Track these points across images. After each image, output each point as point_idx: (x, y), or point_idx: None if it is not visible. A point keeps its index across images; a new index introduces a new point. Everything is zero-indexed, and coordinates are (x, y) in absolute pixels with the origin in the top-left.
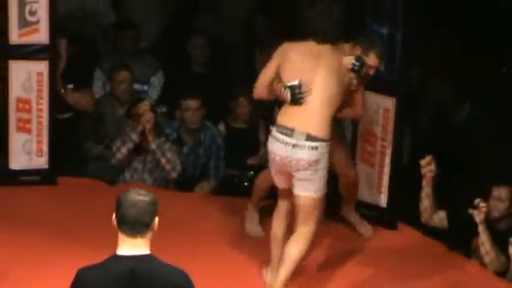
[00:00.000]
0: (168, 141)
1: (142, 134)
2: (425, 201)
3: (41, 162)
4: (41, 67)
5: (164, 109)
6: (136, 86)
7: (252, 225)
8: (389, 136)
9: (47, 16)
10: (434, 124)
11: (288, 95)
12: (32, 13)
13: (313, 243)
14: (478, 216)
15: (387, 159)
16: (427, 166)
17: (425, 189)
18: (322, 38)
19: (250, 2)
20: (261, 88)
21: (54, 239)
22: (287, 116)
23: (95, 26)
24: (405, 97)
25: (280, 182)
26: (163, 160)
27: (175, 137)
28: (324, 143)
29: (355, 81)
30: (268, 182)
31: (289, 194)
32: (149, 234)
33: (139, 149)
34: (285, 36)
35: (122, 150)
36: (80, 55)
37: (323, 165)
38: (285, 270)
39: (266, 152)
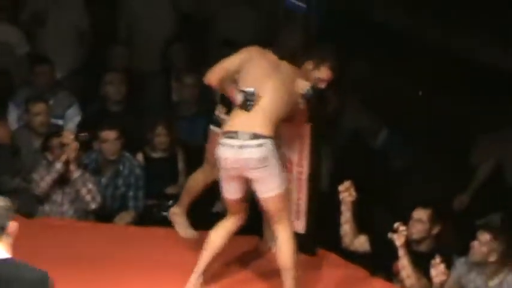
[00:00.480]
0: (87, 172)
1: (66, 164)
2: (346, 226)
3: None
4: None
5: (86, 135)
6: (52, 120)
7: (185, 228)
8: (305, 162)
9: None
10: (353, 149)
11: (239, 99)
12: None
13: (228, 261)
14: (399, 240)
15: (304, 185)
16: (346, 191)
17: (345, 214)
18: (281, 54)
19: (165, 31)
20: (215, 76)
21: None
22: (232, 122)
23: (8, 58)
24: (321, 123)
25: (233, 191)
26: (83, 190)
27: (93, 167)
28: (269, 140)
29: (301, 105)
30: (201, 183)
31: (240, 207)
32: (6, 239)
33: (61, 180)
34: (201, 63)
35: (47, 180)
36: None
37: (274, 161)
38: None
39: (185, 181)
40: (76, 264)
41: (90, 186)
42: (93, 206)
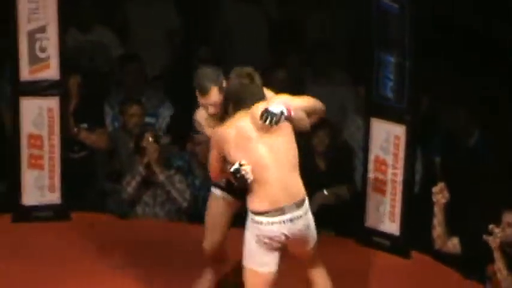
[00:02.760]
0: (178, 173)
1: (149, 166)
2: (438, 228)
3: (54, 197)
4: (52, 103)
5: (167, 140)
6: (146, 119)
7: None
8: (400, 164)
9: (56, 52)
10: (446, 151)
11: (234, 181)
12: (42, 49)
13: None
14: (493, 242)
15: (399, 187)
16: (439, 193)
17: (438, 216)
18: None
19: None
20: (215, 174)
21: (67, 275)
22: (268, 198)
23: (103, 60)
24: (415, 124)
25: (271, 264)
26: (173, 191)
27: (186, 169)
28: (306, 199)
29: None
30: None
31: (273, 281)
32: None
33: (149, 182)
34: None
35: (132, 184)
36: (90, 90)
37: (311, 215)
38: None
39: None
40: (168, 265)
41: (179, 185)
42: (184, 204)
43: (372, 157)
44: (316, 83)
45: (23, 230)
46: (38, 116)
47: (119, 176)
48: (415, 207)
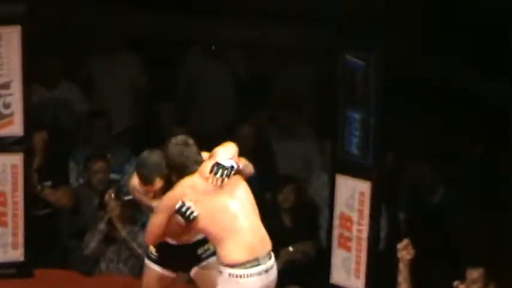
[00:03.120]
0: (143, 228)
1: (111, 223)
2: (404, 285)
3: (17, 254)
4: (16, 159)
5: (131, 197)
6: (111, 175)
7: None
8: (366, 220)
9: (21, 108)
10: (411, 207)
11: (180, 219)
12: (6, 106)
13: None
14: None
15: (364, 244)
16: (404, 249)
17: (403, 272)
18: None
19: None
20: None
21: None
22: (239, 251)
23: (68, 116)
24: (381, 181)
25: None
26: (134, 245)
27: None
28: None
29: None
30: None
31: None
32: None
33: (112, 238)
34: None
35: (92, 241)
36: (55, 147)
37: None
38: None
39: None
40: None
41: (141, 240)
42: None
43: (337, 213)
44: (281, 139)
45: None
46: (1, 173)
47: (83, 233)
48: (380, 263)
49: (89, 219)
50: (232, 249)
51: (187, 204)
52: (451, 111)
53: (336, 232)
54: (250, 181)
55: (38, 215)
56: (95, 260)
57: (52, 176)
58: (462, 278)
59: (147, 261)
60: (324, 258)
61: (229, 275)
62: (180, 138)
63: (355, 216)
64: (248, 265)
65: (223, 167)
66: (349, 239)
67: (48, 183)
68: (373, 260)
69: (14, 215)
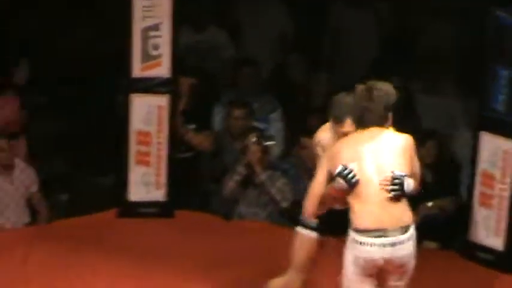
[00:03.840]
0: (283, 175)
1: (250, 166)
2: None
3: (159, 194)
4: (162, 101)
5: (272, 142)
6: (256, 124)
7: None
8: (509, 179)
9: (169, 50)
10: None
11: (341, 185)
12: (155, 47)
13: None
14: None
15: (506, 203)
16: None
17: None
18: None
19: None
20: (311, 209)
21: (168, 269)
22: (369, 217)
23: (215, 60)
24: None
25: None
26: (273, 190)
27: (292, 173)
28: (413, 226)
29: None
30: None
31: None
32: None
33: (251, 182)
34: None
35: (230, 183)
36: (201, 91)
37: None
38: None
39: None
40: (263, 267)
41: (280, 185)
42: (284, 204)
43: (479, 171)
44: (425, 94)
45: (127, 225)
46: (147, 113)
47: (222, 177)
48: None
49: (229, 164)
50: (358, 215)
51: (350, 166)
52: None
53: (477, 190)
54: None
55: (180, 157)
56: (233, 203)
57: (196, 119)
58: None
59: (301, 230)
60: (463, 215)
61: (352, 239)
62: (365, 86)
63: (498, 175)
64: (372, 234)
65: (401, 189)
66: (491, 197)
67: (192, 126)
68: None
69: (158, 156)
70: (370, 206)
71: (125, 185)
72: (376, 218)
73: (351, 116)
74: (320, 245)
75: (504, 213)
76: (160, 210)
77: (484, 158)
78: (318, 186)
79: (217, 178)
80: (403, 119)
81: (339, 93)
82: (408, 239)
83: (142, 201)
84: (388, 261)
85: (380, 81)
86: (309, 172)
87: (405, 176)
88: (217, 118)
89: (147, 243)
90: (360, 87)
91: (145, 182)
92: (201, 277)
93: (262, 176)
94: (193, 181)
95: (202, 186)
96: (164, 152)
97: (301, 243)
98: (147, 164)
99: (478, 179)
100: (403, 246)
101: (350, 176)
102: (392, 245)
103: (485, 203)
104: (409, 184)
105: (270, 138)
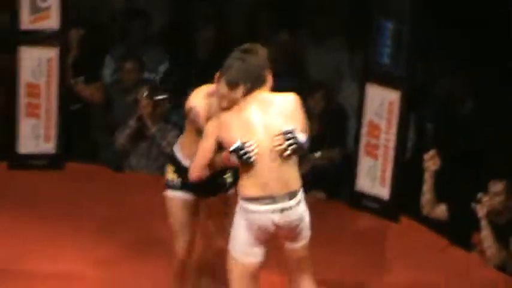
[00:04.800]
0: (174, 128)
1: (141, 120)
2: (427, 195)
3: (49, 147)
4: (51, 53)
5: (162, 96)
6: (145, 75)
7: None
8: (393, 129)
9: (58, 2)
10: (438, 118)
11: (235, 160)
12: None
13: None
14: (481, 210)
15: (391, 153)
16: (430, 160)
17: (428, 182)
18: None
19: None
20: (198, 172)
21: (59, 221)
22: (257, 186)
23: (105, 12)
24: (410, 91)
25: (258, 255)
26: (163, 143)
27: (182, 125)
28: (301, 190)
29: None
30: None
31: (258, 271)
32: None
33: (142, 135)
34: None
35: (121, 136)
36: (91, 43)
37: (305, 208)
38: None
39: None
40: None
41: (170, 138)
42: None
43: (365, 121)
44: (313, 46)
45: (18, 177)
46: (37, 66)
47: (114, 129)
48: (405, 172)
49: (120, 116)
50: (246, 184)
51: (247, 146)
52: (480, 23)
53: (363, 140)
54: (281, 87)
55: (70, 109)
56: (125, 156)
57: (86, 71)
58: (485, 191)
59: (168, 192)
60: (350, 165)
61: (241, 207)
62: (242, 48)
63: (383, 125)
64: (260, 202)
65: (297, 143)
66: (376, 147)
67: (82, 78)
68: (399, 168)
69: (48, 108)
70: (259, 174)
71: (14, 138)
72: (263, 186)
73: (243, 81)
74: (191, 203)
75: (389, 163)
76: (51, 162)
77: (370, 108)
78: (206, 154)
79: (108, 130)
80: (290, 71)
81: (230, 59)
82: (297, 204)
83: (32, 153)
84: (278, 227)
85: (254, 44)
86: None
87: (294, 129)
88: (107, 71)
89: (38, 195)
90: (236, 51)
91: (35, 135)
92: (90, 229)
93: (153, 129)
94: (84, 133)
95: (93, 138)
96: (54, 105)
97: (170, 204)
98: (37, 116)
99: (364, 129)
100: (292, 211)
101: (246, 156)
102: (281, 210)
103: (371, 153)
104: (302, 136)
105: (162, 92)
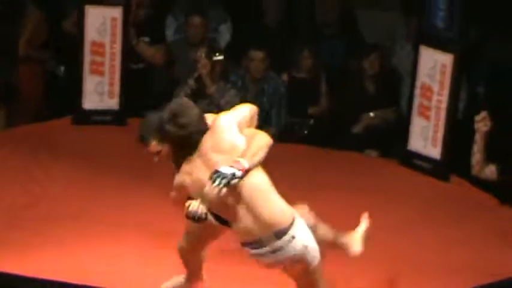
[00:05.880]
0: (231, 87)
1: (200, 79)
2: (477, 155)
3: (112, 103)
4: (116, 12)
5: (220, 57)
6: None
7: None
8: (446, 92)
9: None
10: (491, 81)
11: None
12: None
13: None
14: None
15: (443, 114)
16: (481, 121)
17: (478, 143)
18: None
19: None
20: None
21: (122, 174)
22: (243, 230)
23: None
24: (463, 54)
25: None
26: (222, 102)
27: (240, 84)
28: (292, 225)
29: None
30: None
31: None
32: None
33: (201, 94)
34: None
35: (180, 95)
36: (154, 3)
37: (307, 236)
38: None
39: (327, 102)
40: None
41: (229, 98)
42: None
43: (418, 83)
44: (368, 8)
45: (82, 132)
46: (101, 24)
47: (175, 87)
48: (457, 133)
49: (183, 73)
50: (237, 231)
51: (192, 209)
52: None
53: (416, 101)
54: (337, 49)
55: (133, 68)
56: None
57: (150, 32)
58: None
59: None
60: (403, 125)
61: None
62: (173, 106)
63: (435, 87)
64: (252, 245)
65: (223, 176)
66: (429, 109)
67: (146, 39)
68: (450, 129)
69: (111, 66)
70: (237, 221)
71: (79, 94)
72: (246, 231)
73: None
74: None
75: (441, 124)
76: (114, 118)
77: (423, 71)
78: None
79: (170, 88)
80: (346, 32)
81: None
82: (290, 240)
83: (96, 109)
84: (276, 265)
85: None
86: (256, 83)
87: (216, 169)
88: (169, 31)
89: (100, 150)
90: (169, 110)
91: (99, 91)
92: (153, 184)
93: (212, 88)
94: (146, 91)
95: (153, 97)
96: (117, 63)
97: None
98: (101, 73)
99: (417, 91)
100: (285, 250)
101: (197, 218)
102: (273, 252)
103: (424, 114)
104: (226, 168)
105: (220, 52)
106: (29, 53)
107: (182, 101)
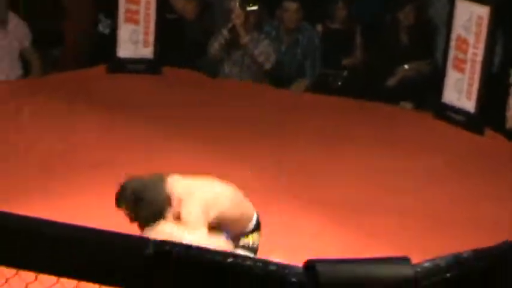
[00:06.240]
0: (265, 37)
1: (234, 29)
2: None
3: (147, 52)
4: None
5: (254, 7)
6: None
7: None
8: (481, 44)
9: None
10: None
11: None
12: None
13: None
14: None
15: (478, 67)
16: None
17: None
18: None
19: None
20: None
21: (155, 123)
22: None
23: None
24: (499, 6)
25: None
26: (256, 52)
27: (274, 35)
28: None
29: None
30: None
31: None
32: None
33: (235, 44)
34: None
35: (214, 45)
36: None
37: None
38: None
39: (362, 54)
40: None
41: (263, 48)
42: (266, 66)
43: (454, 35)
44: None
45: (116, 80)
46: None
47: (210, 37)
48: (492, 87)
49: (218, 22)
50: None
51: None
52: None
53: (451, 54)
54: (372, 1)
55: (168, 18)
56: (219, 63)
57: None
58: None
59: None
60: (437, 78)
61: None
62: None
63: (471, 40)
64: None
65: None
66: (464, 61)
67: None
68: (485, 83)
69: (146, 15)
70: None
71: (114, 42)
72: None
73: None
74: None
75: (476, 77)
76: (148, 67)
77: (459, 23)
78: None
79: (204, 38)
80: None
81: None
82: None
83: (130, 57)
84: None
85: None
86: (290, 34)
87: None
88: None
89: (135, 98)
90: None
91: (134, 40)
92: (183, 132)
93: (246, 38)
94: (181, 40)
95: (189, 46)
96: (152, 11)
97: None
98: (136, 22)
99: (453, 43)
100: None
101: None
102: None
103: (459, 66)
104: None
105: (254, 2)
106: None
107: (144, 182)
